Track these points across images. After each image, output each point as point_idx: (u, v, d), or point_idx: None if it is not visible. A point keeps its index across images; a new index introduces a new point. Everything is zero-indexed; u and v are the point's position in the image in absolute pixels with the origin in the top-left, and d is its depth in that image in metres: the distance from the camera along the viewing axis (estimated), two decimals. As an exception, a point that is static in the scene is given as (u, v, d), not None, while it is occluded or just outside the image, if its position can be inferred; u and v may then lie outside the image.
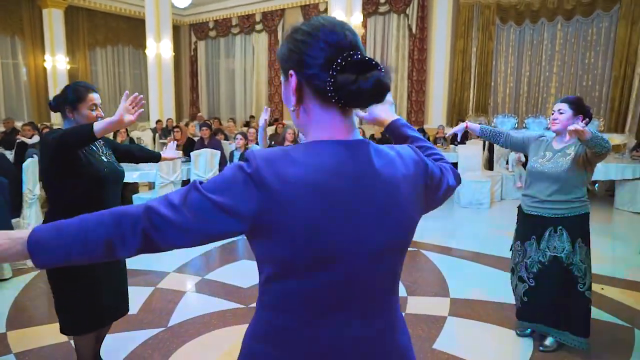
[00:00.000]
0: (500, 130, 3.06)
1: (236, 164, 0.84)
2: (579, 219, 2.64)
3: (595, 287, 3.71)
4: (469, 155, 7.27)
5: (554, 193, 2.63)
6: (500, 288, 3.56)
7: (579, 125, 2.31)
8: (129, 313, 2.89)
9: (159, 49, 10.53)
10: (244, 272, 4.08)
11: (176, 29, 14.12)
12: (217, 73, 15.05)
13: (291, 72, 0.87)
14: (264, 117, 3.41)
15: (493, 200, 6.88)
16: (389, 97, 1.08)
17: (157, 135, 9.88)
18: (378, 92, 0.82)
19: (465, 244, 4.93)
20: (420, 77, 11.27)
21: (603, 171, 6.49)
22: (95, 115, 2.14)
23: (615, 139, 8.92)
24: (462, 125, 2.98)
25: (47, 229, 0.80)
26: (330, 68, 0.81)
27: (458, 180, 1.08)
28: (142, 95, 2.00)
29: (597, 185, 7.96)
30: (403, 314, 3.11)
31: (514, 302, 2.96)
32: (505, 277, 3.75)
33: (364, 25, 11.00)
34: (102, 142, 2.29)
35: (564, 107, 2.61)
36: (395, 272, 0.95)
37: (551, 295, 2.70)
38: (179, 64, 14.39)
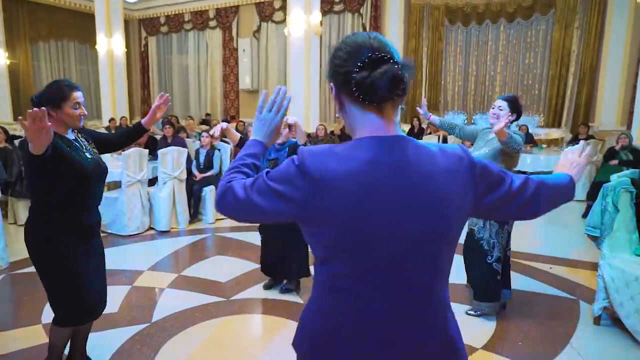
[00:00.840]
0: (456, 123, 3.47)
1: (290, 158, 0.99)
2: None
3: (544, 266, 4.15)
4: (424, 150, 7.65)
5: None
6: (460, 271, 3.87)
7: (501, 123, 2.76)
8: (110, 311, 2.96)
9: (111, 44, 10.19)
10: (219, 267, 4.16)
11: (125, 24, 13.66)
12: (169, 70, 14.72)
13: (331, 84, 1.02)
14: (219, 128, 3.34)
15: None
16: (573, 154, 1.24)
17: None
18: (391, 85, 0.92)
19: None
20: (375, 75, 11.64)
21: (545, 163, 7.08)
22: (78, 114, 2.15)
23: (553, 133, 9.70)
24: (426, 114, 3.47)
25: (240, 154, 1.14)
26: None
27: (532, 187, 1.08)
28: (37, 109, 1.74)
29: (539, 176, 8.62)
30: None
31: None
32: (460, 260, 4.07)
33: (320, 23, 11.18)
34: (84, 137, 2.30)
35: (504, 104, 3.00)
36: (437, 262, 0.99)
37: (468, 267, 3.22)
38: (128, 61, 13.92)
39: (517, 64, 10.78)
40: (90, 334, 2.85)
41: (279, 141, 3.37)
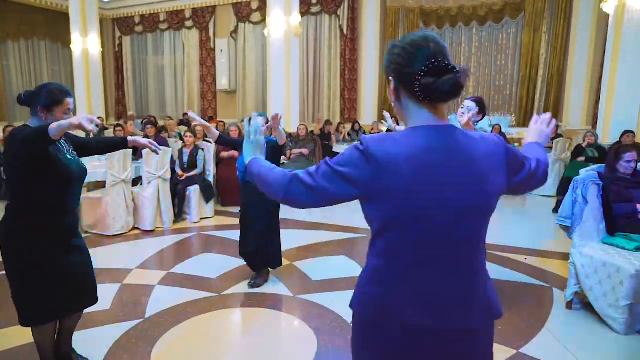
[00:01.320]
0: None
1: (353, 145, 1.13)
2: None
3: (519, 257, 4.38)
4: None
5: None
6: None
7: (465, 117, 3.08)
8: (102, 309, 2.99)
9: (86, 44, 10.02)
10: (208, 264, 4.22)
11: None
12: (144, 70, 14.53)
13: (390, 78, 1.16)
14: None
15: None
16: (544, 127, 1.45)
17: (90, 135, 9.37)
18: (453, 90, 1.07)
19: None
20: (352, 75, 11.80)
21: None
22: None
23: (524, 132, 10.07)
24: (391, 125, 3.73)
25: (256, 165, 1.28)
26: (418, 73, 1.08)
27: (542, 167, 1.30)
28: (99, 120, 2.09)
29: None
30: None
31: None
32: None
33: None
34: (64, 138, 2.29)
35: (472, 105, 3.21)
36: (477, 231, 1.15)
37: None
38: (102, 61, 13.70)
39: (489, 66, 11.17)
40: (83, 331, 2.91)
41: None
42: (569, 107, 9.77)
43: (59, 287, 2.24)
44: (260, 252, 3.68)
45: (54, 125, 1.88)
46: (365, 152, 1.09)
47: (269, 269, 3.84)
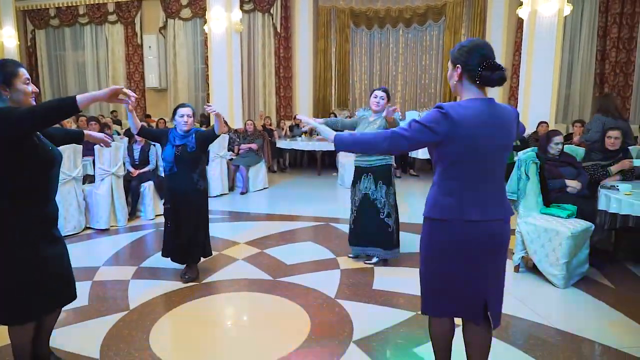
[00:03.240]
0: (337, 119, 4.34)
1: (435, 109, 1.74)
2: (382, 168, 3.85)
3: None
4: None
5: None
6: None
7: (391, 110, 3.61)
8: (80, 304, 3.00)
9: (1, 37, 9.19)
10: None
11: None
12: (63, 66, 13.57)
13: (458, 65, 1.78)
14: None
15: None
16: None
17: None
18: (501, 80, 1.74)
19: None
20: (287, 73, 12.00)
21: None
22: (30, 90, 2.11)
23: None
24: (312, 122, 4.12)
25: (347, 137, 1.94)
26: (479, 67, 1.73)
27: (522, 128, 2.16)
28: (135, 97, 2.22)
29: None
30: (339, 270, 3.70)
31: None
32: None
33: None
34: None
35: (383, 94, 3.90)
36: (504, 161, 1.86)
37: (364, 222, 3.94)
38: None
39: (415, 65, 11.97)
40: (68, 327, 2.85)
41: (185, 128, 3.54)
42: (486, 103, 10.79)
43: (45, 282, 2.13)
44: (194, 242, 3.62)
45: (86, 96, 1.94)
46: (446, 114, 1.72)
47: (200, 258, 3.78)
